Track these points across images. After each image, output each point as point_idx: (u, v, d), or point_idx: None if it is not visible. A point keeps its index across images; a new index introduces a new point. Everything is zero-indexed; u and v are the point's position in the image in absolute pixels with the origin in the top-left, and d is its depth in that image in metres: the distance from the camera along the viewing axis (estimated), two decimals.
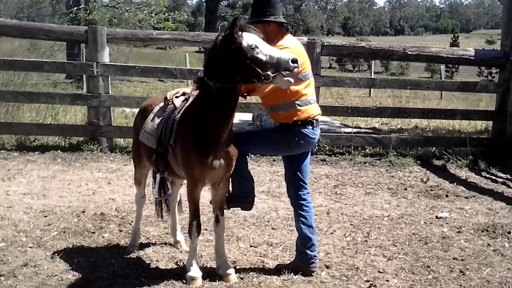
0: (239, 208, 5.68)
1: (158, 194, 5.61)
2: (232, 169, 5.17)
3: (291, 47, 5.12)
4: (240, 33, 4.56)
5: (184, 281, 5.04)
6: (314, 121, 5.29)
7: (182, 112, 5.10)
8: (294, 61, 4.45)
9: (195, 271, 5.08)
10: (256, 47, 4.51)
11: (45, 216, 6.88)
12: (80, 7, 29.90)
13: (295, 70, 4.49)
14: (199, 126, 4.86)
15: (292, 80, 4.56)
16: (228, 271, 5.19)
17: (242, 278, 5.24)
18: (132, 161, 6.39)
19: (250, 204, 5.57)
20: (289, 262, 5.65)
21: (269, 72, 4.49)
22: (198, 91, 4.99)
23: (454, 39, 74.03)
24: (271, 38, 5.14)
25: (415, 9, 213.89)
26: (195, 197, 5.08)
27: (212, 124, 4.81)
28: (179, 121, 5.04)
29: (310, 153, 5.66)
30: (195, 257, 5.16)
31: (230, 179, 5.34)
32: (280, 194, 8.28)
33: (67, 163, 9.71)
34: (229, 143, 4.97)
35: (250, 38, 4.54)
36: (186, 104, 5.16)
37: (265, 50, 4.52)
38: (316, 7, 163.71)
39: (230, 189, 5.47)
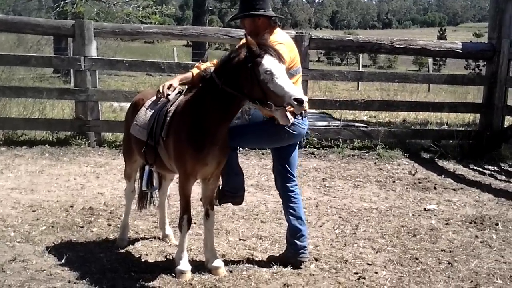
0: (230, 203, 5.69)
1: (146, 187, 5.60)
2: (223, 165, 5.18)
3: (285, 43, 5.13)
4: (262, 54, 4.50)
5: (173, 274, 5.04)
6: (303, 111, 5.28)
7: (177, 105, 5.09)
8: (299, 101, 4.37)
9: (184, 265, 5.08)
10: (271, 73, 4.45)
11: (33, 211, 6.85)
12: (67, 1, 29.72)
13: (297, 109, 4.44)
14: (196, 121, 4.85)
15: (291, 119, 4.52)
16: (217, 265, 5.20)
17: (231, 272, 5.25)
18: (122, 155, 6.36)
19: (241, 198, 5.57)
20: (279, 254, 5.67)
21: (272, 103, 4.44)
22: (200, 85, 4.98)
23: (441, 32, 74.17)
24: (261, 32, 5.12)
25: (402, 2, 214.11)
26: (186, 191, 5.07)
27: (211, 121, 4.81)
28: (172, 114, 5.03)
29: (298, 145, 5.67)
30: (185, 251, 5.15)
31: (221, 174, 5.34)
32: (269, 188, 8.29)
33: (55, 157, 9.68)
34: (224, 140, 4.98)
35: (269, 63, 4.47)
36: (181, 97, 5.16)
37: (277, 80, 4.44)
38: (304, 0, 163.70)
39: (221, 184, 5.46)
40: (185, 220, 5.09)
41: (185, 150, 4.87)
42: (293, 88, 4.46)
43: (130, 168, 5.91)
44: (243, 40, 4.76)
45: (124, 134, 5.95)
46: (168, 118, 5.04)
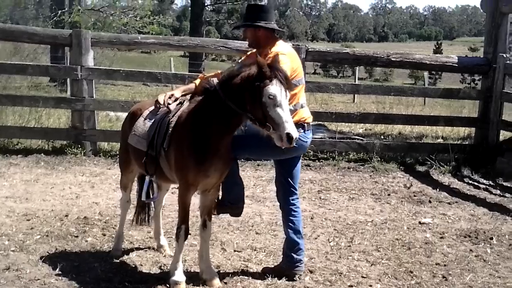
0: (228, 214, 5.68)
1: (145, 197, 5.59)
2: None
3: (287, 54, 5.18)
4: (272, 77, 4.54)
5: (168, 285, 5.04)
6: (305, 124, 5.30)
7: (179, 115, 5.10)
8: (290, 137, 4.45)
9: (179, 275, 5.07)
10: (274, 99, 4.50)
11: (28, 220, 6.83)
12: (64, 10, 29.74)
13: (285, 144, 4.50)
14: (198, 132, 4.87)
15: (283, 146, 4.56)
16: (212, 276, 5.19)
17: (226, 283, 5.25)
18: (118, 165, 6.35)
19: (240, 210, 5.56)
20: (273, 266, 5.66)
21: (270, 125, 4.51)
22: (203, 97, 5.01)
23: (437, 46, 74.59)
24: (261, 43, 5.23)
25: (399, 16, 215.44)
26: (186, 202, 5.11)
27: (213, 134, 4.84)
28: (175, 125, 5.05)
29: (300, 158, 5.68)
30: (180, 261, 5.15)
31: (221, 185, 5.35)
32: (264, 199, 8.30)
33: (50, 166, 9.66)
34: (226, 152, 5.00)
35: (275, 89, 4.51)
36: (183, 108, 5.17)
37: (277, 108, 4.51)
38: (301, 13, 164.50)
39: (220, 194, 5.46)
40: (182, 231, 5.10)
41: (187, 162, 4.89)
42: (289, 122, 4.51)
43: (126, 178, 5.91)
44: (249, 53, 4.80)
45: (121, 144, 5.96)
46: (170, 129, 5.05)
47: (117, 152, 10.60)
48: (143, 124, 5.39)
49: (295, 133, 4.48)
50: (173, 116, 5.13)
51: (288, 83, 4.63)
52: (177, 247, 5.14)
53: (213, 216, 5.46)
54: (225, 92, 4.74)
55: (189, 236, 5.29)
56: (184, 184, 5.05)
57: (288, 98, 4.66)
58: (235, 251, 6.16)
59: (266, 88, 4.51)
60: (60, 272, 5.27)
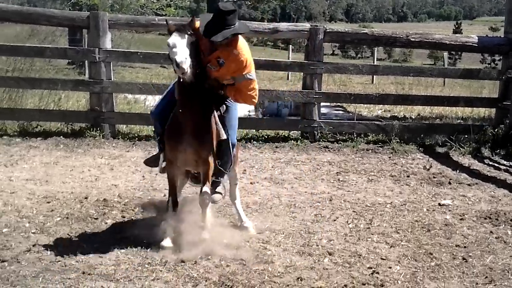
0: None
1: None
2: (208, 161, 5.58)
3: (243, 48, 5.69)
4: (171, 31, 5.27)
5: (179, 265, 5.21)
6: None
7: None
8: (176, 63, 5.06)
9: (166, 242, 5.54)
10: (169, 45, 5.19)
11: (48, 202, 6.88)
12: None
13: (177, 71, 5.12)
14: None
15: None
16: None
17: (244, 265, 5.25)
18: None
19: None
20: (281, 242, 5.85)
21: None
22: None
23: (457, 26, 73.93)
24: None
25: None
26: (170, 176, 5.74)
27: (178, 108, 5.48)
28: None
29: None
30: (169, 228, 5.62)
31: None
32: (282, 181, 8.29)
33: (69, 149, 9.70)
34: (199, 133, 5.43)
35: (171, 38, 5.22)
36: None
37: (172, 48, 5.15)
38: None
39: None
40: (170, 201, 5.78)
41: (167, 139, 5.63)
42: (179, 53, 5.09)
43: None
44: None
45: None
46: None
47: (136, 135, 10.67)
48: None
49: (178, 58, 5.02)
50: None
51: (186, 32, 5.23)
52: (167, 216, 5.73)
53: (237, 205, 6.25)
54: None
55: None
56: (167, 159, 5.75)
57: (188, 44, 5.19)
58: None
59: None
60: (80, 254, 5.31)
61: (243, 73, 5.65)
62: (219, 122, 5.67)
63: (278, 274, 5.12)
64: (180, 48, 5.12)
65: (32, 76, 12.21)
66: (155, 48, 27.30)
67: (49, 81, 11.45)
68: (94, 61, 10.59)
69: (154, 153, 6.28)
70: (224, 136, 5.66)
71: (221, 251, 5.48)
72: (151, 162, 6.24)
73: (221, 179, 5.84)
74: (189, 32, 5.24)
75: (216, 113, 5.67)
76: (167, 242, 5.53)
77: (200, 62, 5.44)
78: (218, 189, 5.80)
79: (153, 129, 6.44)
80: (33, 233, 5.82)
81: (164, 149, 5.74)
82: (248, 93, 5.72)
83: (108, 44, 10.69)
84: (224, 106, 5.77)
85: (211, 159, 5.57)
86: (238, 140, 6.36)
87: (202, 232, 5.69)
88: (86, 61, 15.00)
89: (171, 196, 5.77)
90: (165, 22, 10.33)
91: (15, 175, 7.97)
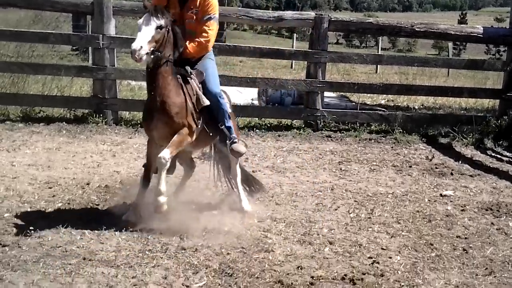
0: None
1: None
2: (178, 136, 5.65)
3: None
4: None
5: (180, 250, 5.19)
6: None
7: None
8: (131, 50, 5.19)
9: (130, 215, 5.88)
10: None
11: (50, 188, 6.88)
12: None
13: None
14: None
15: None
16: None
17: (245, 253, 5.26)
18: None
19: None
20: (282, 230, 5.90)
21: None
22: None
23: (462, 16, 73.62)
24: None
25: None
26: (147, 152, 6.03)
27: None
28: None
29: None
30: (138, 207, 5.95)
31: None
32: (284, 170, 8.30)
33: (72, 135, 9.71)
34: (165, 111, 5.55)
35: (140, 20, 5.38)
36: None
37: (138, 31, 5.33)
38: None
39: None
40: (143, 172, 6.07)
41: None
42: (137, 38, 5.23)
43: None
44: None
45: None
46: None
47: (139, 121, 10.67)
48: None
49: (133, 45, 5.14)
50: None
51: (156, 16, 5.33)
52: (138, 192, 6.06)
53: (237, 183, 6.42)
54: None
55: None
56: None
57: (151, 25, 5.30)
58: (254, 221, 6.17)
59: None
60: (81, 240, 5.32)
61: (209, 14, 5.83)
62: (197, 90, 5.80)
63: (279, 262, 5.12)
64: (142, 34, 5.27)
65: (35, 61, 12.21)
66: None
67: (52, 67, 11.43)
68: (98, 47, 10.58)
69: None
70: (206, 102, 5.81)
71: (222, 239, 5.49)
72: None
73: (233, 135, 6.05)
74: (160, 15, 5.35)
75: (193, 82, 5.80)
76: (128, 216, 5.87)
77: (176, 44, 5.63)
78: (239, 143, 6.14)
79: None
80: (35, 218, 5.82)
81: None
82: (203, 34, 5.83)
83: (112, 31, 10.68)
84: (192, 70, 5.87)
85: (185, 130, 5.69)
86: (240, 128, 6.40)
87: (242, 205, 6.26)
88: (90, 48, 14.96)
89: (145, 173, 5.99)
90: None
91: (17, 160, 7.98)
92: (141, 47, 5.14)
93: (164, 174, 5.55)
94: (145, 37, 5.22)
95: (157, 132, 5.65)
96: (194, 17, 5.82)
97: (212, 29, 5.85)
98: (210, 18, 5.82)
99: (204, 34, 5.82)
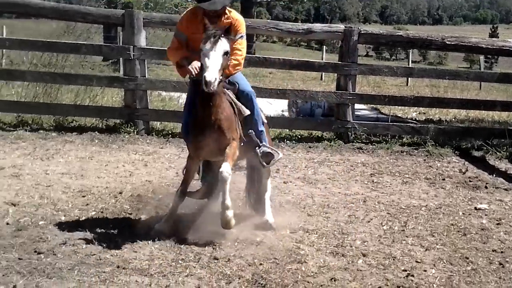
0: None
1: None
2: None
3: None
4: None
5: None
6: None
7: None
8: (205, 81, 5.12)
9: (161, 225, 5.76)
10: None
11: (83, 196, 6.94)
12: None
13: (204, 87, 5.16)
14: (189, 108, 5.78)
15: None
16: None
17: (277, 264, 5.23)
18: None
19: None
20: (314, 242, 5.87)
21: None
22: None
23: (493, 29, 73.00)
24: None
25: None
26: (188, 168, 5.91)
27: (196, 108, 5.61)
28: None
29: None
30: (171, 217, 5.86)
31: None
32: (316, 181, 8.26)
33: (104, 144, 9.79)
34: (219, 127, 5.53)
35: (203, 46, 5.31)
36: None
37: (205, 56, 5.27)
38: None
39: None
40: (179, 191, 5.88)
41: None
42: (210, 68, 5.18)
43: None
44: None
45: None
46: None
47: (170, 132, 10.72)
48: None
49: (208, 76, 5.10)
50: None
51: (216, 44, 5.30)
52: (172, 203, 5.91)
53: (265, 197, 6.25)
54: None
55: None
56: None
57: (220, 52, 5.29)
58: (287, 232, 6.13)
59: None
60: (114, 248, 5.32)
61: (240, 33, 5.93)
62: (236, 101, 5.84)
63: (312, 274, 5.08)
64: (212, 62, 5.23)
65: (67, 72, 12.36)
66: None
67: (84, 77, 11.58)
68: (129, 58, 10.67)
69: None
70: (247, 112, 5.87)
71: (254, 250, 5.47)
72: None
73: (265, 143, 6.09)
74: (225, 39, 5.35)
75: (230, 94, 5.83)
76: (162, 226, 5.77)
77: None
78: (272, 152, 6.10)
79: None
80: (69, 226, 5.86)
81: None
82: (238, 52, 5.87)
83: (142, 42, 10.77)
84: (233, 83, 5.92)
85: (234, 143, 5.69)
86: (271, 139, 6.40)
87: (265, 216, 6.18)
88: (121, 58, 15.10)
89: (182, 186, 5.89)
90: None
91: (51, 169, 8.06)
92: (215, 78, 5.15)
93: (228, 188, 5.51)
94: (216, 66, 5.21)
95: (208, 148, 5.62)
96: (240, 43, 5.90)
97: (244, 47, 5.95)
98: (241, 37, 5.91)
99: (238, 52, 5.86)
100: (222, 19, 5.82)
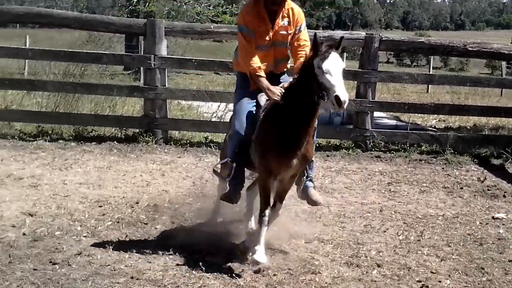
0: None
1: None
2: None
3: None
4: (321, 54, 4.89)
5: (248, 263, 5.27)
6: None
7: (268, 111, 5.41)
8: (338, 99, 4.73)
9: (261, 256, 5.23)
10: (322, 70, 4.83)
11: (100, 206, 6.99)
12: None
13: (336, 108, 4.82)
14: (282, 127, 5.17)
15: (335, 110, 4.95)
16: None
17: (291, 274, 5.23)
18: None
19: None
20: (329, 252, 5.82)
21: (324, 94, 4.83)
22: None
23: None
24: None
25: (476, 3, 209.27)
26: (267, 188, 5.36)
27: (294, 129, 5.13)
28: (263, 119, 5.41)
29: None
30: (262, 243, 5.29)
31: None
32: (332, 190, 8.26)
33: (122, 154, 9.86)
34: (306, 146, 5.22)
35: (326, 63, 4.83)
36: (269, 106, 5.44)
37: (327, 74, 4.81)
38: (375, 0, 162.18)
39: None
40: (266, 215, 5.31)
41: (272, 154, 5.25)
42: (339, 86, 4.77)
43: None
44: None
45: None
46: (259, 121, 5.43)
47: (188, 141, 10.75)
48: None
49: (343, 95, 4.71)
50: (262, 112, 5.45)
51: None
52: (260, 231, 5.32)
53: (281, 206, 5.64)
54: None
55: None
56: (264, 172, 5.37)
57: (341, 69, 4.88)
58: (302, 242, 6.13)
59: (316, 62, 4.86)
60: (129, 259, 5.38)
61: (302, 24, 5.74)
62: None
63: (326, 284, 5.07)
64: (341, 80, 4.86)
65: (88, 81, 12.48)
66: (209, 55, 27.56)
67: (105, 87, 11.70)
68: (150, 67, 10.73)
69: (229, 185, 5.71)
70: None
71: (268, 260, 5.47)
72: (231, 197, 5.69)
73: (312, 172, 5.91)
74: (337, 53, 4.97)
75: None
76: (261, 257, 5.26)
77: None
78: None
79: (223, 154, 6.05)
80: (84, 236, 5.91)
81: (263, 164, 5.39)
82: (307, 43, 5.70)
83: (163, 51, 10.82)
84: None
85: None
86: None
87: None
88: (142, 68, 15.23)
89: (268, 209, 5.35)
90: (225, 30, 10.43)
91: (69, 179, 8.13)
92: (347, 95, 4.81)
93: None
94: (342, 81, 4.87)
95: (295, 167, 5.34)
96: (288, 28, 5.63)
97: (308, 37, 5.74)
98: (305, 27, 5.74)
99: (307, 43, 5.67)
100: (282, 9, 5.58)
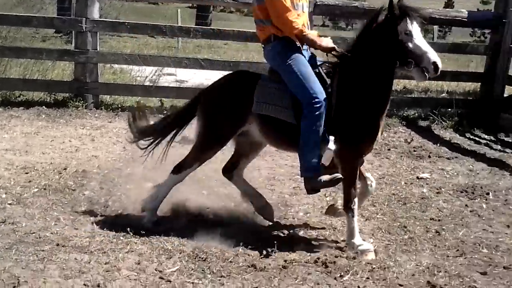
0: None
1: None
2: None
3: None
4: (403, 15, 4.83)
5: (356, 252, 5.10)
6: None
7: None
8: (436, 66, 4.65)
9: (366, 244, 5.14)
10: (410, 34, 4.74)
11: (26, 173, 6.84)
12: None
13: (432, 73, 4.72)
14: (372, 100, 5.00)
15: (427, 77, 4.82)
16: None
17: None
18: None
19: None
20: None
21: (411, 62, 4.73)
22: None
23: None
24: None
25: None
26: (357, 173, 5.23)
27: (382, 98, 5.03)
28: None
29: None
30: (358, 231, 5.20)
31: None
32: (263, 153, 8.13)
33: (51, 119, 9.65)
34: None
35: (408, 24, 4.76)
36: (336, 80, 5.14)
37: (415, 40, 4.72)
38: None
39: None
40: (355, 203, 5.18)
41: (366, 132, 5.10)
42: (432, 51, 4.68)
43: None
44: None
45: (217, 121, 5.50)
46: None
47: (119, 105, 10.58)
48: (277, 93, 5.24)
49: (439, 62, 4.66)
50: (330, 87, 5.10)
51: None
52: (352, 221, 5.15)
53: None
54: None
55: None
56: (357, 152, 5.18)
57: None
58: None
59: (400, 26, 4.78)
60: (55, 225, 5.31)
61: None
62: None
63: (253, 247, 5.14)
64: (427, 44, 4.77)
65: (17, 45, 12.11)
66: (144, 17, 27.10)
67: (34, 51, 11.37)
68: (81, 31, 10.47)
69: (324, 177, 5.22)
70: None
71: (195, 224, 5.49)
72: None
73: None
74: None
75: None
76: (367, 245, 5.15)
77: None
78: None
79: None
80: (9, 204, 5.78)
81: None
82: None
83: (96, 14, 10.55)
84: None
85: None
86: None
87: None
88: (73, 31, 14.88)
89: (354, 194, 5.19)
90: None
91: None
92: None
93: None
94: None
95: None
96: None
97: None
98: None
99: None
100: None
